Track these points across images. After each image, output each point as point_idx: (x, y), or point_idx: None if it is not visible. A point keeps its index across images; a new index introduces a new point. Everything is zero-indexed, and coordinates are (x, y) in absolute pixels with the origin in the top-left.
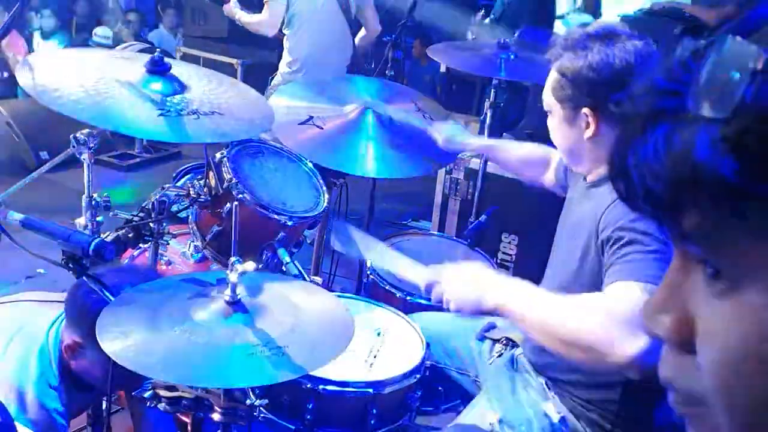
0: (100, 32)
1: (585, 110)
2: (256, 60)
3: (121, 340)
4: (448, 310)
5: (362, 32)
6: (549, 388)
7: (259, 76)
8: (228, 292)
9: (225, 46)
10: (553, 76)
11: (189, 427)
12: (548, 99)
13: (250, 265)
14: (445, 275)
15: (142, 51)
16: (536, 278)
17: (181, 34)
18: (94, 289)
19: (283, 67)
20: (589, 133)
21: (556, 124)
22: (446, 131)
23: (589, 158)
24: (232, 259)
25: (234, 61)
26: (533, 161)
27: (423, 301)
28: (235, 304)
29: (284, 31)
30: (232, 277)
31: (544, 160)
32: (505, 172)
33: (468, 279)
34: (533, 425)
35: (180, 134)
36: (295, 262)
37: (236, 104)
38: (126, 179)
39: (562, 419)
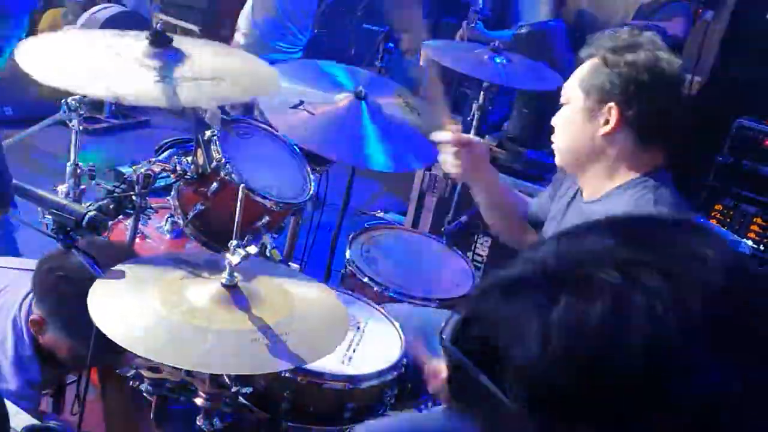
0: None
1: (611, 104)
2: None
3: (115, 319)
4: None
5: None
6: None
7: None
8: (225, 275)
9: (205, 18)
10: (589, 65)
11: (152, 407)
12: (572, 88)
13: (252, 249)
14: (427, 371)
15: (120, 14)
16: None
17: (159, 0)
18: (59, 268)
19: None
20: (606, 129)
21: (569, 116)
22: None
23: (592, 163)
24: (234, 242)
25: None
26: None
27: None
28: (232, 289)
29: None
30: (234, 259)
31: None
32: None
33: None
34: None
35: (177, 99)
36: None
37: (238, 69)
38: (91, 144)
39: None
